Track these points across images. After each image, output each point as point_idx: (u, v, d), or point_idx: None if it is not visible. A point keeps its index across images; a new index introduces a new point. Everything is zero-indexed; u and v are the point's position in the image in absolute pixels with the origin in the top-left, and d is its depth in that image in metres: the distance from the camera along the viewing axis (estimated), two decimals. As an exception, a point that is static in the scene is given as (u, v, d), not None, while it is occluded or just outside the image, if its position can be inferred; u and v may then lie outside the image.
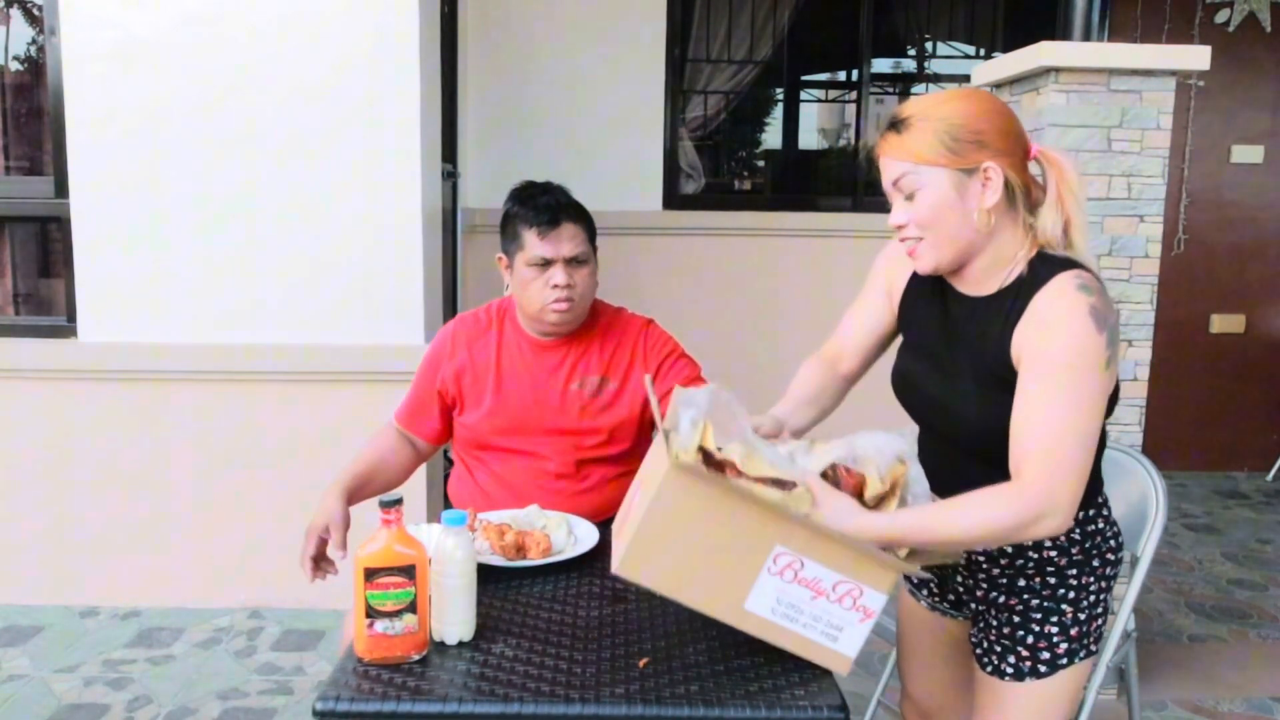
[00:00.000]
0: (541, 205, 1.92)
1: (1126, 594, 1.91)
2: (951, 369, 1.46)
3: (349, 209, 3.04)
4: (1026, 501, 1.27)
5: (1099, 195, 2.66)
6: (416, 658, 1.34)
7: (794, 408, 1.62)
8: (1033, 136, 2.71)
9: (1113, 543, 1.54)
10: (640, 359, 2.02)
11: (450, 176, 4.10)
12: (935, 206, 1.36)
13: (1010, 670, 1.50)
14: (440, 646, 1.38)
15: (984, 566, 1.53)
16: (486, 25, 4.53)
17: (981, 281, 1.43)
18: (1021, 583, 1.50)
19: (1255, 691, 2.79)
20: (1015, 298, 1.38)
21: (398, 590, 1.32)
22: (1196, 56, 2.62)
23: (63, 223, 3.15)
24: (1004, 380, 1.37)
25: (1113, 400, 1.39)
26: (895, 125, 1.39)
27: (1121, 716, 2.17)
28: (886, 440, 1.42)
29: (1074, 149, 2.64)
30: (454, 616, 1.39)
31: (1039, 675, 1.48)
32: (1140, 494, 1.92)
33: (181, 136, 3.02)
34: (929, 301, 1.52)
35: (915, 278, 1.54)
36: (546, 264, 1.90)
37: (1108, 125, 2.63)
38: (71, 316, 3.17)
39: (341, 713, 1.25)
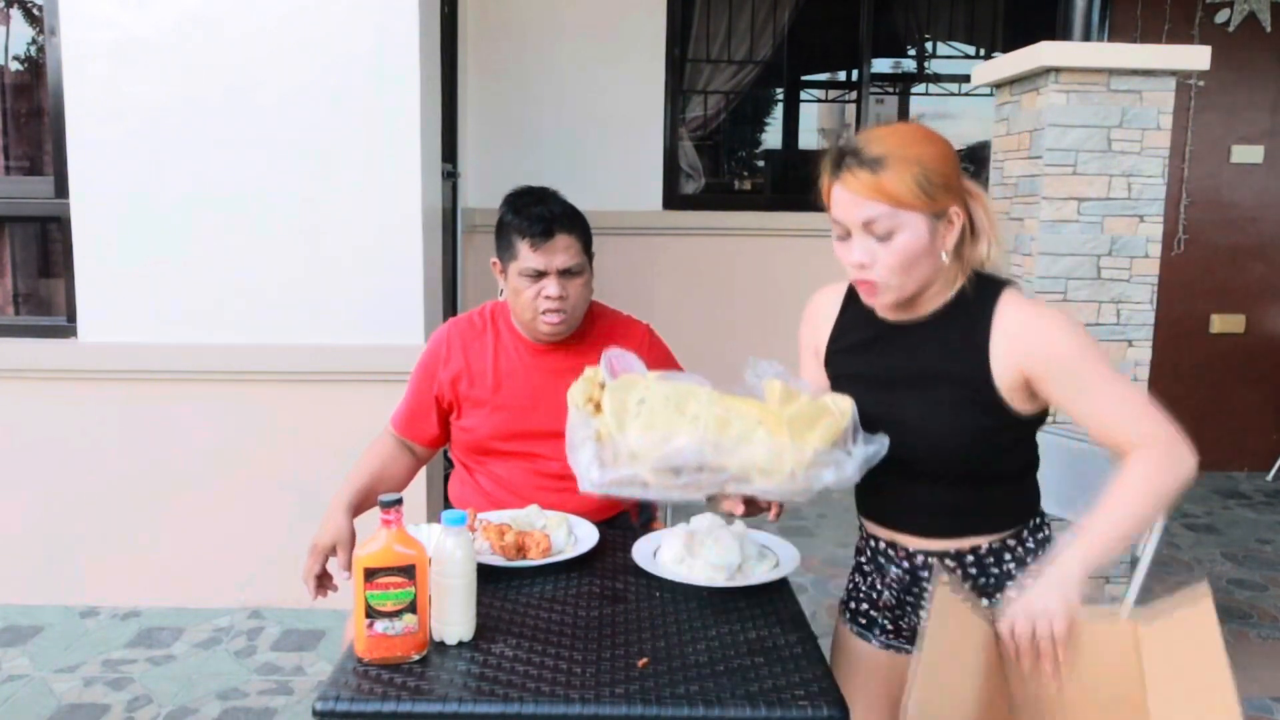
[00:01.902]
0: (535, 216, 1.90)
1: (1126, 594, 1.91)
2: (910, 393, 1.46)
3: (349, 209, 3.04)
4: (1168, 452, 1.35)
5: (1099, 195, 2.66)
6: (416, 658, 1.34)
7: None
8: (1033, 137, 2.72)
9: (1053, 536, 1.57)
10: (645, 367, 2.02)
11: (450, 176, 4.10)
12: (912, 250, 1.37)
13: None
14: (440, 646, 1.38)
15: (947, 564, 1.54)
16: (486, 25, 4.53)
17: (917, 307, 1.47)
18: (985, 603, 1.50)
19: (1255, 691, 2.79)
20: (965, 318, 1.44)
21: (398, 590, 1.31)
22: (1196, 56, 2.62)
23: (63, 223, 3.15)
24: (978, 396, 1.42)
25: (1040, 420, 1.48)
26: (866, 162, 1.36)
27: (1121, 716, 2.17)
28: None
29: (1074, 149, 2.64)
30: (454, 616, 1.39)
31: None
32: (1140, 494, 1.91)
33: (181, 136, 3.02)
34: (862, 340, 1.54)
35: (837, 325, 1.58)
36: (539, 275, 1.90)
37: (1108, 125, 2.63)
38: (71, 316, 3.17)
39: (341, 713, 1.25)
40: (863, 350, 1.54)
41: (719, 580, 1.54)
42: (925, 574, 1.53)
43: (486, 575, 1.54)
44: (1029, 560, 1.50)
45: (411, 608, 1.32)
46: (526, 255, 1.89)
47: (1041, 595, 1.30)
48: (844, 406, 1.41)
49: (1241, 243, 4.68)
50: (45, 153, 3.29)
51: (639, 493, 1.37)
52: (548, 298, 1.89)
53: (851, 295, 1.56)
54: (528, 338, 2.00)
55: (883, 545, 1.59)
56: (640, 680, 1.30)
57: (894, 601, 1.59)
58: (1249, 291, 4.71)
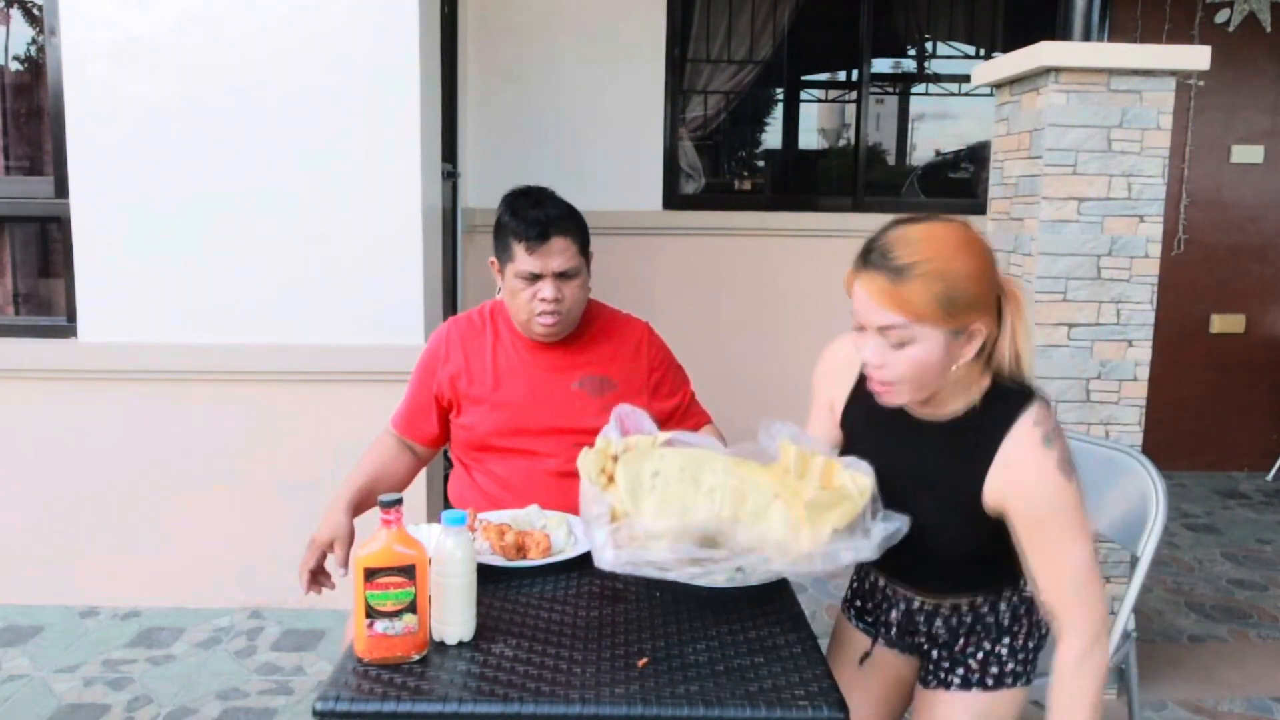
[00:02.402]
0: (531, 219, 1.90)
1: (1126, 594, 1.91)
2: (909, 487, 1.46)
3: (349, 209, 3.03)
4: (1088, 641, 1.38)
5: (1099, 195, 2.66)
6: (416, 658, 1.34)
7: None
8: (1033, 137, 2.72)
9: None
10: (645, 365, 2.05)
11: (450, 176, 4.10)
12: (923, 361, 1.36)
13: (957, 680, 1.59)
14: (440, 646, 1.38)
15: (939, 626, 1.61)
16: (486, 25, 4.53)
17: (937, 407, 1.47)
18: (979, 627, 1.60)
19: (1255, 691, 2.79)
20: (978, 433, 1.43)
21: (398, 590, 1.31)
22: (1196, 56, 2.62)
23: (63, 223, 3.15)
24: (969, 511, 1.45)
25: None
26: (892, 270, 1.33)
27: (1121, 716, 2.17)
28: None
29: (1074, 149, 2.64)
30: (454, 616, 1.39)
31: (984, 687, 1.58)
32: (1140, 494, 1.92)
33: (181, 136, 3.02)
34: (879, 422, 1.52)
35: (856, 388, 1.57)
36: (535, 278, 1.90)
37: (1108, 125, 2.63)
38: (71, 316, 3.17)
39: (341, 713, 1.25)
40: (877, 432, 1.53)
41: (719, 580, 1.54)
42: (921, 618, 1.61)
43: (486, 575, 1.54)
44: (1023, 608, 1.59)
45: (411, 608, 1.32)
46: (522, 258, 1.90)
47: None
48: (863, 485, 1.38)
49: (1241, 243, 4.68)
50: (45, 153, 3.29)
51: (655, 574, 1.34)
52: (543, 300, 1.90)
53: None
54: (524, 335, 2.00)
55: (882, 584, 1.66)
56: (640, 680, 1.30)
57: (900, 624, 1.66)
58: (1249, 291, 4.71)
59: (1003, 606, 1.59)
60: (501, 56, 4.54)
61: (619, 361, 2.02)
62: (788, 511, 1.34)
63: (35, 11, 3.35)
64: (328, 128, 3.01)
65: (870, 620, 1.71)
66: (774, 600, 1.54)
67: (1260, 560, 3.75)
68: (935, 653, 1.63)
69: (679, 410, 2.08)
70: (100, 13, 2.98)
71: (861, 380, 1.54)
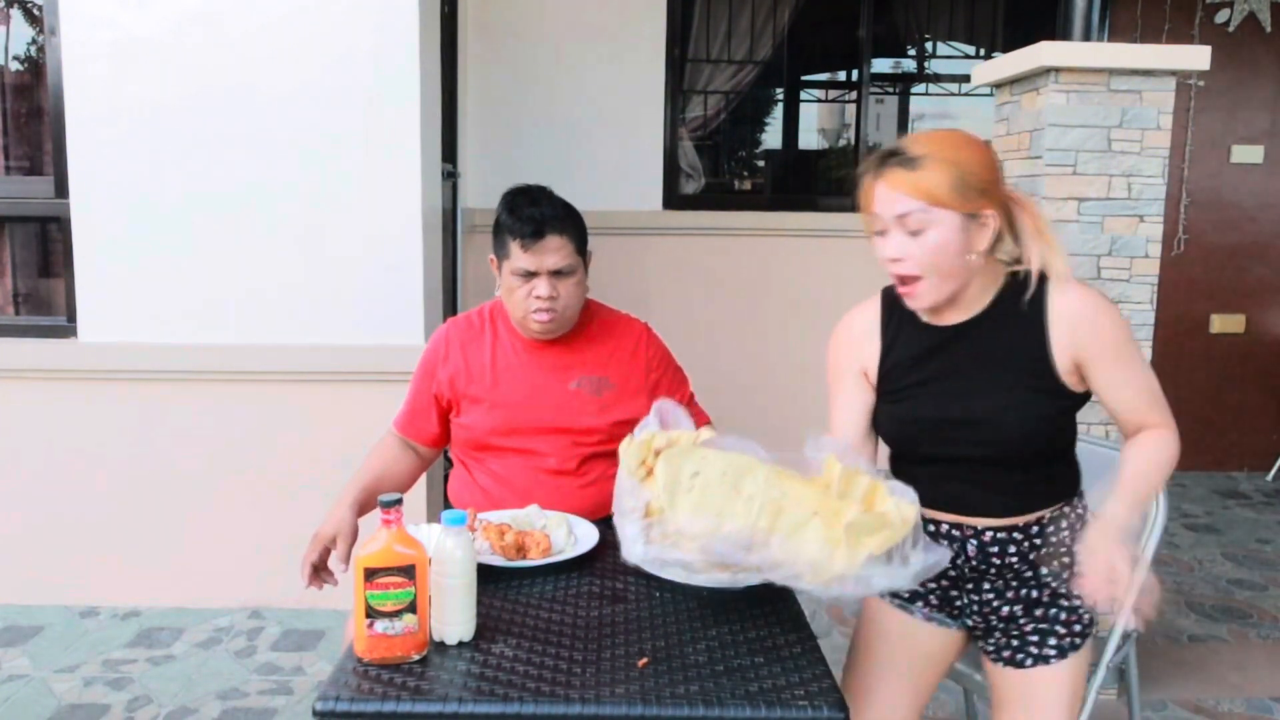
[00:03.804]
0: (526, 217, 1.91)
1: (1127, 594, 1.91)
2: (978, 388, 1.53)
3: (349, 209, 3.03)
4: (1174, 437, 1.55)
5: (1099, 195, 2.66)
6: (416, 658, 1.34)
7: None
8: (1033, 137, 2.72)
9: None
10: (643, 365, 2.05)
11: (450, 176, 4.10)
12: (941, 247, 1.44)
13: (1053, 651, 1.58)
14: (440, 646, 1.38)
15: (1012, 554, 1.59)
16: (486, 25, 4.53)
17: (961, 310, 1.54)
18: (1043, 569, 1.59)
19: (1255, 691, 2.79)
20: (1017, 308, 1.51)
21: (398, 590, 1.32)
22: (1196, 56, 2.62)
23: (63, 223, 3.15)
24: (1043, 388, 1.51)
25: (1085, 397, 1.56)
26: (905, 161, 1.44)
27: (1121, 716, 2.17)
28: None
29: (1074, 149, 2.64)
30: (454, 616, 1.39)
31: (1076, 649, 1.59)
32: (1140, 494, 1.91)
33: (181, 136, 3.02)
34: (920, 350, 1.58)
35: (885, 339, 1.61)
36: (530, 275, 1.91)
37: (1108, 125, 2.63)
38: (71, 316, 3.17)
39: (341, 713, 1.25)
40: (924, 359, 1.57)
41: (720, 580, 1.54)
42: (995, 549, 1.59)
43: (486, 575, 1.54)
44: (1079, 525, 1.60)
45: (411, 608, 1.32)
46: (518, 255, 1.91)
47: (1103, 553, 1.39)
48: (907, 514, 1.35)
49: (1241, 243, 4.68)
50: (45, 153, 3.29)
51: (682, 576, 1.34)
52: (538, 297, 1.91)
53: (889, 311, 1.61)
54: (523, 334, 2.01)
55: (945, 528, 1.61)
56: (640, 680, 1.30)
57: (954, 577, 1.63)
58: (1249, 291, 4.71)
59: (1063, 524, 1.59)
60: (501, 56, 4.54)
61: (617, 361, 2.02)
62: (825, 530, 1.32)
63: (35, 11, 3.35)
64: (328, 128, 3.01)
65: (909, 594, 1.67)
66: (774, 600, 1.54)
67: (1260, 560, 3.75)
68: (997, 615, 1.61)
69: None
70: (100, 13, 2.98)
71: (885, 329, 1.60)
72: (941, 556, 1.36)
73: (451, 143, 4.16)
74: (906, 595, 1.69)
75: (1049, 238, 1.51)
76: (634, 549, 1.34)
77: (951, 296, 1.51)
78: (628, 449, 1.41)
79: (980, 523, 1.59)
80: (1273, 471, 4.74)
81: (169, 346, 3.08)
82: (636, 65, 4.58)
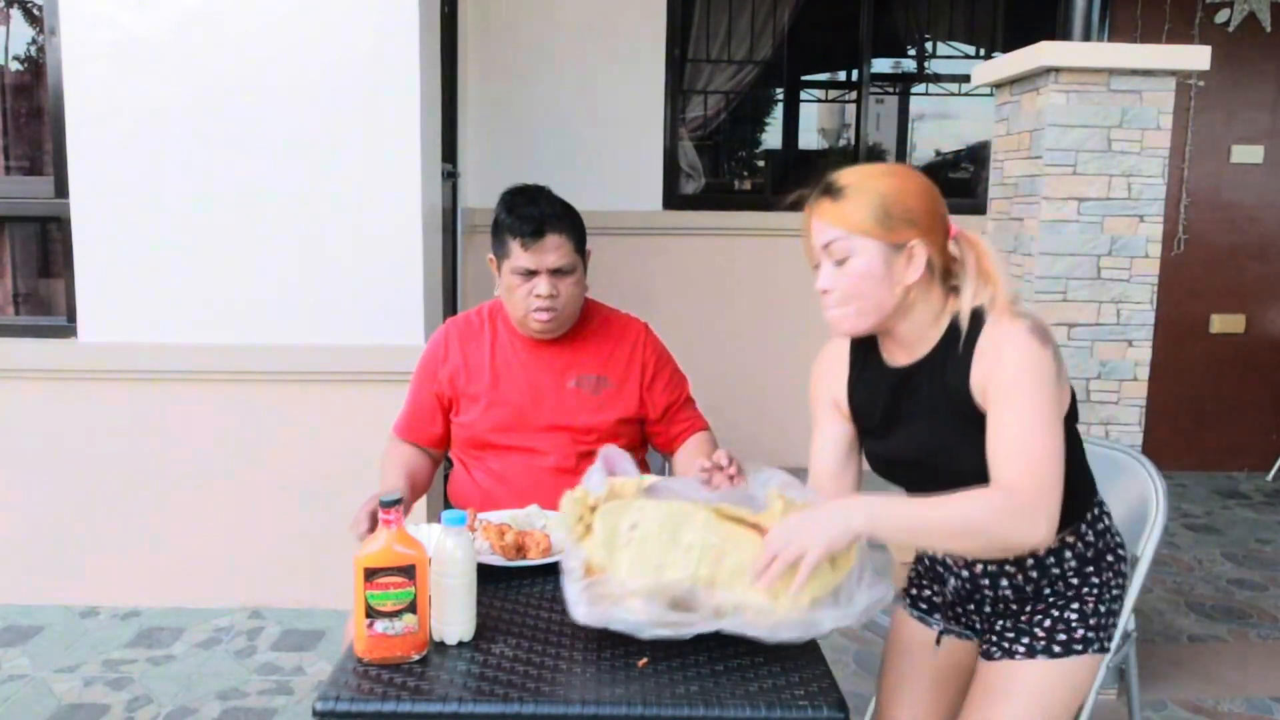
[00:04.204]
0: (526, 216, 1.92)
1: (1126, 594, 1.91)
2: (926, 429, 1.50)
3: (349, 209, 3.03)
4: (1014, 503, 1.33)
5: (1099, 195, 2.66)
6: (416, 658, 1.34)
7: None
8: (1033, 137, 2.72)
9: (1118, 539, 1.61)
10: (640, 364, 2.05)
11: (450, 176, 4.10)
12: (863, 276, 1.42)
13: (1022, 649, 1.53)
14: (440, 646, 1.38)
15: (1005, 587, 1.56)
16: (486, 25, 4.53)
17: (910, 348, 1.50)
18: (1047, 590, 1.55)
19: (1255, 691, 2.79)
20: (950, 353, 1.45)
21: (398, 590, 1.31)
22: (1196, 56, 2.62)
23: (63, 223, 3.15)
24: (971, 415, 1.43)
25: (1072, 415, 1.48)
26: (831, 191, 1.44)
27: (1121, 716, 2.17)
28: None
29: (1074, 149, 2.64)
30: (454, 616, 1.39)
31: (1051, 654, 1.51)
32: (1140, 494, 1.92)
33: (181, 136, 3.02)
34: (876, 382, 1.56)
35: (852, 374, 1.60)
36: (530, 274, 1.92)
37: (1108, 125, 2.63)
38: (71, 316, 3.17)
39: (341, 713, 1.25)
40: (882, 399, 1.55)
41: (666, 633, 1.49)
42: (985, 582, 1.57)
43: (486, 575, 1.54)
44: (1090, 554, 1.54)
45: (411, 608, 1.32)
46: (518, 254, 1.92)
47: (813, 526, 1.32)
48: (849, 555, 1.36)
49: (1241, 243, 4.68)
50: (45, 153, 3.29)
51: (629, 630, 1.32)
52: (538, 296, 1.92)
53: (858, 347, 1.60)
54: (522, 332, 2.02)
55: (941, 555, 1.62)
56: (640, 680, 1.30)
57: (954, 600, 1.63)
58: (1249, 291, 4.71)
59: (1068, 555, 1.53)
60: (501, 56, 4.54)
61: (615, 360, 2.03)
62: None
63: (35, 11, 3.35)
64: (328, 128, 3.01)
65: (927, 606, 1.68)
66: (774, 600, 1.54)
67: (1260, 560, 3.75)
68: (1000, 624, 1.58)
69: (673, 408, 2.08)
70: (100, 13, 2.98)
71: (853, 365, 1.59)
72: (885, 592, 1.35)
73: (451, 143, 4.16)
74: (925, 608, 1.69)
75: (993, 274, 1.44)
76: (577, 610, 1.33)
77: (875, 328, 1.48)
78: (566, 504, 1.41)
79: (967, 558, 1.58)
80: (1273, 471, 4.74)
81: (169, 346, 3.08)
82: (636, 65, 4.58)
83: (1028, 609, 1.56)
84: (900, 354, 1.52)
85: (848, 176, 1.44)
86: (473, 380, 2.00)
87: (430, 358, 2.06)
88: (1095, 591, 1.55)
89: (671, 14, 4.57)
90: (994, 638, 1.59)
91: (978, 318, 1.44)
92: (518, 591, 1.57)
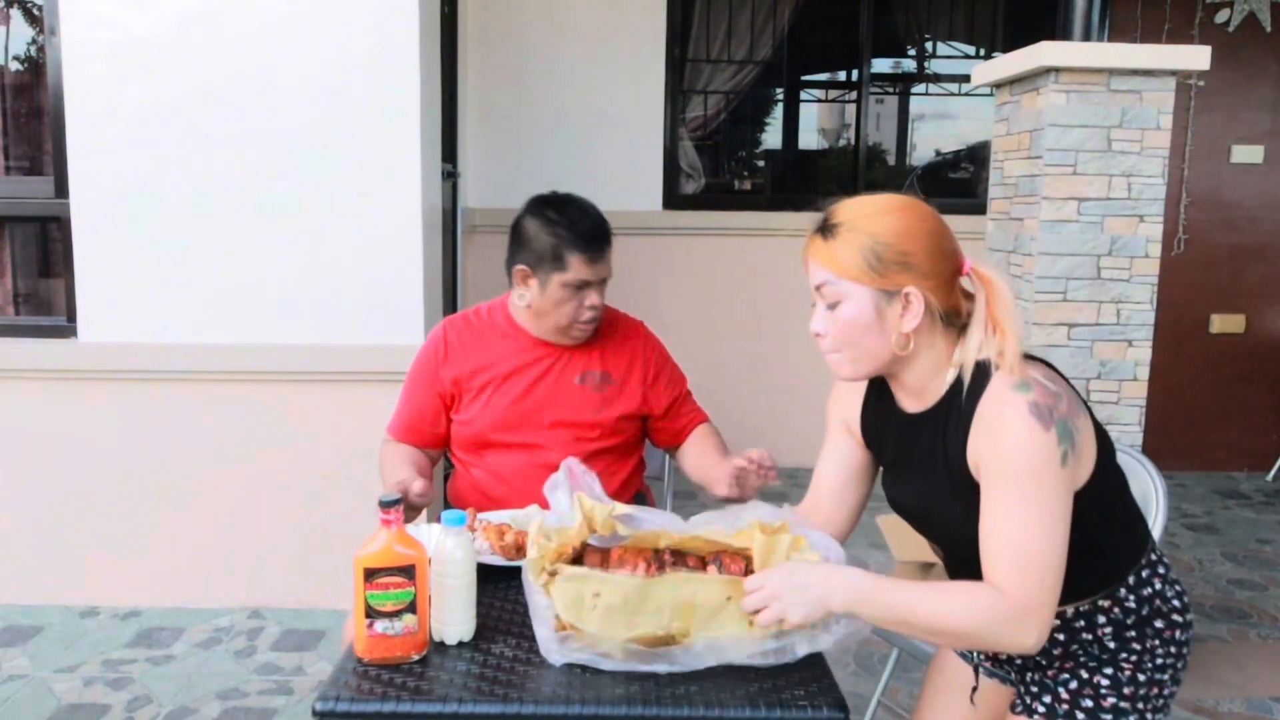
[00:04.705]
0: (587, 231, 1.93)
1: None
2: (922, 484, 1.41)
3: (349, 209, 3.04)
4: (1008, 607, 1.23)
5: (1099, 195, 2.66)
6: (416, 658, 1.34)
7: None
8: (1033, 137, 2.72)
9: (1176, 603, 1.42)
10: (642, 362, 2.08)
11: (450, 176, 4.10)
12: (851, 322, 1.32)
13: (1041, 710, 1.41)
14: (440, 646, 1.38)
15: (1046, 649, 1.43)
16: (486, 25, 4.53)
17: (919, 396, 1.39)
18: (1076, 648, 1.41)
19: (1255, 691, 2.79)
20: (953, 407, 1.34)
21: (397, 590, 1.31)
22: (1196, 56, 2.62)
23: (63, 223, 3.15)
24: (973, 488, 1.32)
25: (1107, 456, 1.35)
26: (824, 229, 1.34)
27: None
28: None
29: (1074, 149, 2.64)
30: (454, 616, 1.39)
31: None
32: (1140, 494, 1.91)
33: (181, 136, 3.02)
34: (885, 423, 1.47)
35: (867, 404, 1.51)
36: (584, 286, 1.93)
37: (1108, 125, 2.63)
38: (71, 316, 3.17)
39: (341, 713, 1.25)
40: (889, 440, 1.48)
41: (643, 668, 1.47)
42: None
43: (486, 575, 1.54)
44: (1129, 620, 1.38)
45: (411, 608, 1.32)
46: (579, 268, 1.92)
47: (797, 595, 1.27)
48: None
49: (1241, 243, 4.68)
50: (45, 153, 3.29)
51: (605, 665, 1.31)
52: (591, 306, 1.94)
53: (875, 379, 1.48)
54: (543, 338, 2.01)
55: None
56: (640, 680, 1.30)
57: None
58: (1249, 291, 4.71)
59: (1100, 620, 1.38)
60: (501, 56, 4.54)
61: (619, 357, 2.05)
62: (740, 611, 1.32)
63: (35, 11, 3.35)
64: (328, 128, 3.01)
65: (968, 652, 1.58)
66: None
67: (1260, 560, 3.75)
68: (1029, 675, 1.46)
69: (675, 403, 2.11)
70: (100, 13, 2.98)
71: (870, 394, 1.50)
72: (861, 626, 1.30)
73: (451, 143, 4.16)
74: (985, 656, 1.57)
75: (1002, 325, 1.29)
76: (549, 652, 1.33)
77: (874, 373, 1.38)
78: (530, 555, 1.34)
79: None
80: (1273, 471, 4.74)
81: (169, 346, 3.08)
82: (636, 65, 4.58)
83: (1055, 665, 1.43)
84: (908, 400, 1.42)
85: (842, 213, 1.34)
86: (475, 379, 2.01)
87: (429, 358, 2.05)
88: (1134, 658, 1.38)
89: (671, 14, 4.58)
90: (1022, 689, 1.48)
91: (984, 371, 1.31)
92: (518, 591, 1.57)
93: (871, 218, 1.32)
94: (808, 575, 1.29)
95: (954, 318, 1.34)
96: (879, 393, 1.48)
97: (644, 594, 1.31)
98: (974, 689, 1.56)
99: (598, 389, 2.00)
